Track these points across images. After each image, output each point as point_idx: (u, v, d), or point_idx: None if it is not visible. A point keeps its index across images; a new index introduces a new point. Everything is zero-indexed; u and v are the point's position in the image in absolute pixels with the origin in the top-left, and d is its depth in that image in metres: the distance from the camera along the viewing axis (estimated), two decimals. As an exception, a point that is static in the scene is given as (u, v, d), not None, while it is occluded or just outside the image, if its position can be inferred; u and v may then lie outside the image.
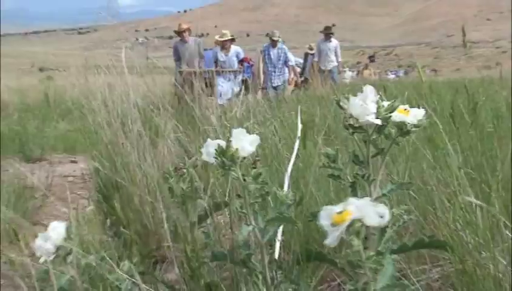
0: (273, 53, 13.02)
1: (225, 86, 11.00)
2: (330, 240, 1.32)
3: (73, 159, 7.79)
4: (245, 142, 1.57)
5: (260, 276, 1.67)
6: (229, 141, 1.56)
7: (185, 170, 1.85)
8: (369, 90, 1.55)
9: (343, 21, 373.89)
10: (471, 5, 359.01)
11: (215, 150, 1.57)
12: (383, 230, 1.45)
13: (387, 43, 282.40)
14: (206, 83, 9.03)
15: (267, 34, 13.82)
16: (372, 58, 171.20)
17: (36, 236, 1.69)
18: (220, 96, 9.15)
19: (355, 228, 1.30)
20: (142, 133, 3.63)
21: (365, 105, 1.53)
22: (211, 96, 7.78)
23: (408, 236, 2.27)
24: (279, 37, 13.17)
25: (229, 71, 11.85)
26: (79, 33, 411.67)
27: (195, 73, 10.47)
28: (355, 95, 1.56)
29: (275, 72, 13.02)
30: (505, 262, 1.85)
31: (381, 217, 1.34)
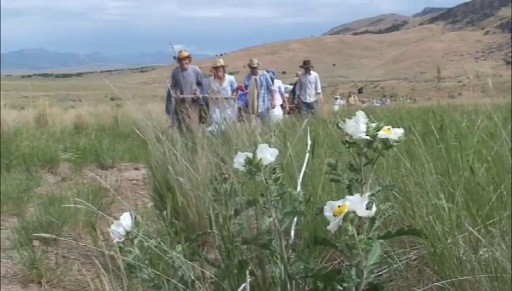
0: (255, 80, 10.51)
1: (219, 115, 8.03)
2: (332, 227, 1.35)
3: (136, 167, 7.85)
4: (267, 154, 1.57)
5: (279, 256, 1.67)
6: (254, 153, 1.57)
7: (227, 175, 1.86)
8: (360, 114, 1.56)
9: (341, 61, 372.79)
10: (438, 50, 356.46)
11: (244, 160, 1.57)
12: (372, 221, 1.44)
13: (374, 79, 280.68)
14: (201, 111, 7.68)
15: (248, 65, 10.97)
16: (360, 90, 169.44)
17: (109, 225, 1.71)
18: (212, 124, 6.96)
19: (350, 217, 1.33)
20: (188, 146, 3.65)
21: (357, 126, 1.53)
22: (203, 122, 6.89)
23: (392, 226, 2.26)
24: (258, 64, 10.73)
25: (224, 99, 9.18)
26: (141, 71, 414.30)
27: (186, 99, 9.18)
28: (349, 118, 1.57)
29: (258, 98, 10.40)
30: (465, 246, 1.84)
31: (368, 209, 1.35)
